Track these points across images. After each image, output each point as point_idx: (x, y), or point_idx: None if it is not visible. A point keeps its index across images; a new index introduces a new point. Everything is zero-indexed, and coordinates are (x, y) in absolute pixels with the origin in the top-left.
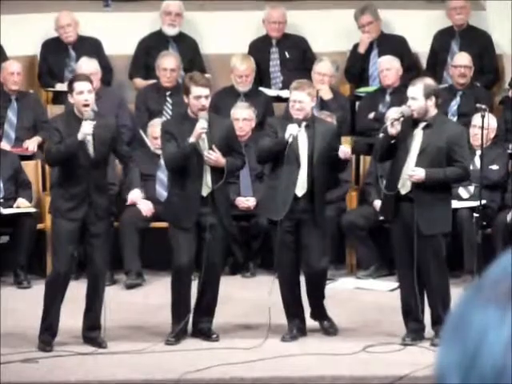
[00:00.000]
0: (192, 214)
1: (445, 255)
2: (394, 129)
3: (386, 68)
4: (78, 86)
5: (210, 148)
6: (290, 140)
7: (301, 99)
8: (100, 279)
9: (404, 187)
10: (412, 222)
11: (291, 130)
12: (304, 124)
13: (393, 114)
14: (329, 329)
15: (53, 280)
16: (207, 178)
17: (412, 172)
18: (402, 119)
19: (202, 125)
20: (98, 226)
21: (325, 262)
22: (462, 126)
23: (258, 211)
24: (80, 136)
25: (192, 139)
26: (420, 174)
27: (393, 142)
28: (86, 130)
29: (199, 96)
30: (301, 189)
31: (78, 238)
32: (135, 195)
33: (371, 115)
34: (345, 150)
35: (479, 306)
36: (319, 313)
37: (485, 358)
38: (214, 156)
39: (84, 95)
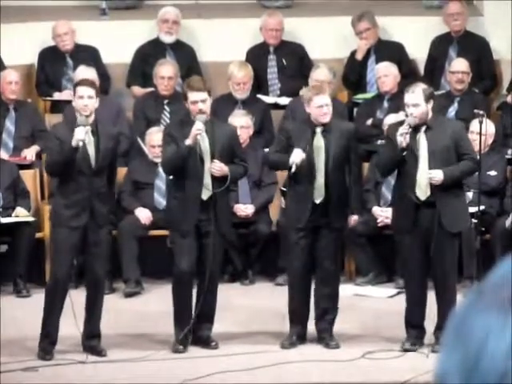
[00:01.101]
0: (192, 217)
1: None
2: (404, 142)
3: (384, 74)
4: (79, 90)
5: (213, 153)
6: (294, 169)
7: (327, 102)
8: (99, 288)
9: (422, 193)
10: (432, 225)
11: (295, 158)
12: (320, 129)
13: (400, 128)
14: (330, 344)
15: (52, 288)
16: (207, 181)
17: (430, 175)
18: (410, 130)
19: (197, 126)
20: (98, 234)
21: (337, 269)
22: (460, 121)
23: (281, 219)
24: (74, 142)
25: (188, 141)
26: (439, 175)
27: (404, 154)
28: (79, 135)
29: (195, 101)
30: (319, 195)
31: (79, 247)
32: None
33: (369, 121)
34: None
35: (481, 311)
36: (326, 328)
37: (486, 362)
38: (218, 167)
39: (84, 100)
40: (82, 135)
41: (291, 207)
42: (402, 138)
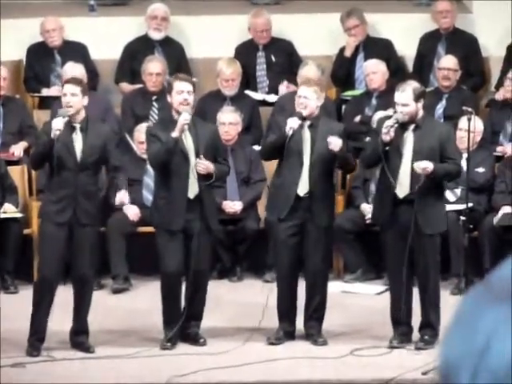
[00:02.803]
0: (179, 217)
1: (439, 258)
2: (388, 135)
3: (372, 71)
4: (64, 88)
5: (197, 151)
6: (290, 133)
7: (306, 95)
8: (85, 284)
9: (402, 190)
10: (409, 223)
11: (291, 124)
12: (308, 123)
13: (387, 121)
14: (318, 340)
15: (39, 285)
16: (193, 180)
17: (420, 165)
18: (396, 125)
19: (184, 117)
20: (84, 231)
21: (326, 266)
22: (450, 125)
23: (266, 210)
24: (52, 133)
25: (175, 133)
26: (430, 165)
27: (387, 148)
28: (56, 125)
29: (181, 91)
30: (303, 189)
31: (66, 243)
32: (123, 195)
33: (357, 118)
34: (334, 141)
35: (489, 303)
36: (314, 325)
37: (495, 354)
38: (204, 164)
39: (66, 97)
40: (60, 125)
41: (274, 197)
42: (387, 131)
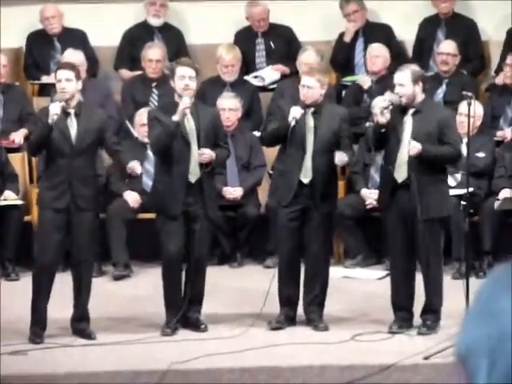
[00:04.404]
0: (179, 201)
1: (442, 243)
2: (383, 117)
3: (376, 55)
4: (58, 73)
5: (198, 135)
6: (293, 123)
7: (309, 84)
8: (84, 270)
9: (400, 175)
10: (409, 208)
11: (294, 113)
12: (311, 110)
13: (381, 102)
14: (319, 326)
15: (38, 271)
16: (194, 164)
17: (409, 145)
18: (390, 107)
19: (185, 101)
20: (82, 216)
21: (327, 252)
22: (450, 110)
23: (268, 200)
24: (50, 118)
25: (176, 117)
26: (417, 145)
27: (383, 131)
28: (53, 109)
29: (183, 76)
30: (306, 176)
31: (64, 229)
32: (135, 163)
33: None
34: (339, 157)
35: (508, 288)
36: (315, 310)
37: None
38: (207, 154)
39: (61, 83)
40: (57, 110)
41: (277, 184)
42: (380, 112)
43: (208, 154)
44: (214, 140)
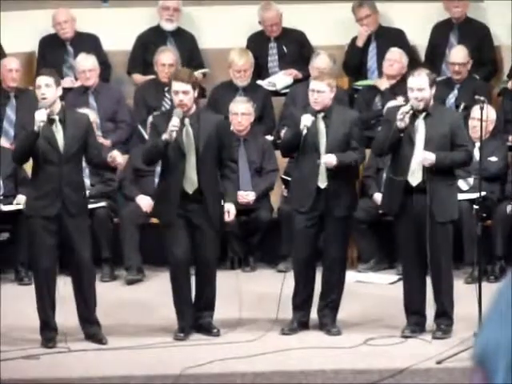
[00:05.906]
0: (171, 210)
1: (452, 246)
2: (403, 122)
3: (395, 59)
4: (37, 80)
5: (197, 147)
6: (305, 132)
7: (319, 89)
8: (86, 275)
9: (414, 178)
10: (424, 212)
11: (305, 121)
12: (322, 115)
13: (404, 107)
14: (332, 330)
15: (36, 278)
16: (191, 175)
17: (423, 155)
18: (411, 112)
19: (173, 123)
20: (75, 220)
21: (343, 256)
22: (459, 112)
23: (284, 206)
24: (36, 126)
25: (165, 136)
26: (431, 157)
27: (401, 135)
28: (38, 117)
29: (176, 91)
30: (323, 180)
31: (57, 234)
32: (116, 152)
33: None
34: (327, 159)
35: None
36: (329, 315)
37: None
38: (232, 214)
39: (41, 89)
40: (43, 116)
41: (295, 191)
42: (402, 117)
43: (232, 213)
44: (217, 147)
